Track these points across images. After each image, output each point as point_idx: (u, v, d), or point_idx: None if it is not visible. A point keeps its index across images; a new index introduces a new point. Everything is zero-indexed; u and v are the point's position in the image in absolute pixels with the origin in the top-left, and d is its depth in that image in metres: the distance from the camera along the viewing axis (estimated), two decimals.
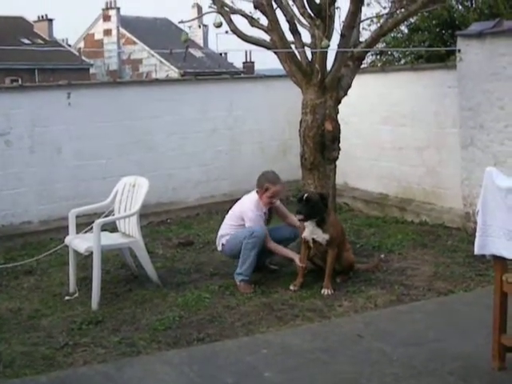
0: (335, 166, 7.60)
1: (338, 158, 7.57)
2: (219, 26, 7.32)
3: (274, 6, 7.11)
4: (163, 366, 4.92)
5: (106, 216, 6.95)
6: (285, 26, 7.22)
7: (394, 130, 9.69)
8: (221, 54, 47.53)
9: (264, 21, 7.35)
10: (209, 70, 43.41)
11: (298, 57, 7.39)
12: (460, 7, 16.79)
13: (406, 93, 9.45)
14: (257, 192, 6.86)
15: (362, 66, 8.35)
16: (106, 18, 48.37)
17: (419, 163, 9.31)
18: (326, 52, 7.16)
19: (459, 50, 8.17)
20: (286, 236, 7.02)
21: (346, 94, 7.67)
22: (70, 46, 48.51)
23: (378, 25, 9.38)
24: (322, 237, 6.52)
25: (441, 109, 8.85)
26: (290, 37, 7.35)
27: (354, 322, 5.73)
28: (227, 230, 6.93)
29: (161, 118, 10.06)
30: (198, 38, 49.62)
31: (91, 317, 5.98)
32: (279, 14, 7.18)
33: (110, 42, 48.08)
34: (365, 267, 7.11)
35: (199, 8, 41.50)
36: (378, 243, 8.03)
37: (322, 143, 7.37)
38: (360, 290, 6.49)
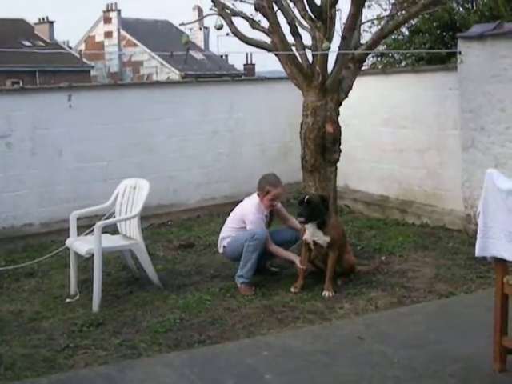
0: (336, 168, 7.60)
1: (338, 160, 7.57)
2: (220, 28, 7.32)
3: (275, 8, 7.11)
4: (164, 368, 4.92)
5: (106, 218, 6.95)
6: (286, 28, 7.24)
7: (395, 132, 9.69)
8: (222, 56, 47.49)
9: (265, 23, 7.36)
10: (210, 73, 43.40)
11: (299, 59, 7.40)
12: (461, 9, 16.84)
13: (406, 95, 9.45)
14: (258, 195, 6.86)
15: (363, 68, 8.35)
16: (107, 20, 48.40)
17: (420, 165, 9.31)
18: (327, 54, 7.17)
19: (460, 52, 8.17)
20: (287, 239, 7.02)
21: (346, 96, 7.67)
22: (70, 48, 48.52)
23: (379, 27, 9.37)
24: (322, 239, 6.52)
25: (442, 111, 8.86)
26: (290, 39, 7.36)
27: (355, 324, 5.72)
28: (228, 232, 6.93)
29: (161, 120, 10.06)
30: (198, 40, 49.65)
31: (92, 319, 5.98)
32: (280, 16, 7.19)
33: (111, 44, 48.10)
34: (366, 269, 7.11)
35: (200, 10, 41.45)
36: (378, 245, 8.03)
37: (323, 145, 7.37)
38: (361, 292, 6.49)
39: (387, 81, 10.01)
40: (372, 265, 7.26)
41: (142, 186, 6.80)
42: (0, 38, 39.15)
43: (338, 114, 7.55)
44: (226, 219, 7.18)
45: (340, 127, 7.53)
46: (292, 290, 6.56)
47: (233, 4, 7.71)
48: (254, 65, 51.38)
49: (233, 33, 7.48)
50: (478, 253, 4.61)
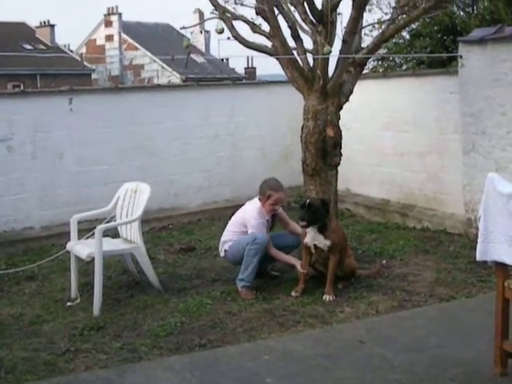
0: (337, 172, 7.60)
1: (339, 163, 7.57)
2: (221, 32, 7.33)
3: (276, 12, 7.12)
4: (165, 372, 4.92)
5: (107, 222, 6.95)
6: (287, 32, 7.26)
7: (396, 136, 9.70)
8: (222, 60, 47.57)
9: (266, 27, 7.37)
10: (210, 76, 43.45)
11: (300, 63, 7.41)
12: (461, 13, 16.87)
13: (407, 99, 9.46)
14: (259, 199, 6.86)
15: (364, 71, 8.35)
16: (108, 24, 48.49)
17: (421, 169, 9.31)
18: (328, 58, 7.18)
19: (461, 56, 8.18)
20: (289, 243, 7.01)
21: (347, 99, 7.68)
22: (71, 51, 48.61)
23: (380, 31, 9.40)
24: (323, 243, 6.51)
25: (442, 115, 8.86)
26: (291, 43, 7.37)
27: (356, 327, 5.72)
28: (230, 236, 6.93)
29: (162, 124, 10.06)
30: (199, 43, 49.73)
31: (93, 322, 5.97)
32: (281, 20, 7.20)
33: (112, 47, 48.19)
34: (366, 273, 7.11)
35: (201, 14, 41.65)
36: (379, 249, 8.02)
37: (324, 149, 7.37)
38: (362, 295, 6.49)
39: (388, 85, 10.01)
40: (373, 269, 7.25)
41: (143, 190, 6.80)
42: (1, 41, 39.24)
43: (338, 118, 7.56)
44: (226, 223, 7.18)
45: (341, 131, 7.54)
46: (293, 293, 6.55)
47: (234, 8, 7.74)
48: (254, 68, 51.43)
49: (234, 37, 7.49)
50: (478, 257, 4.61)
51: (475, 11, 16.78)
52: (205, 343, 5.47)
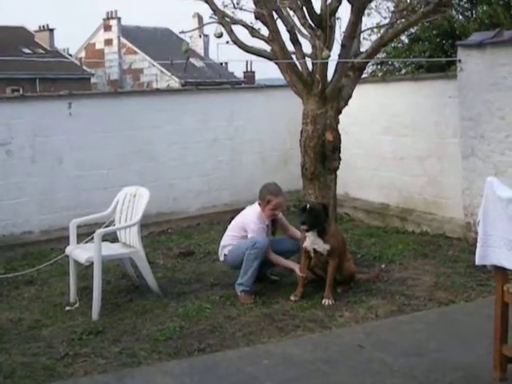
0: (336, 176, 7.60)
1: (338, 168, 7.57)
2: (220, 36, 7.33)
3: (275, 16, 7.13)
4: (164, 377, 4.92)
5: (106, 226, 6.95)
6: (285, 36, 7.26)
7: (395, 140, 9.70)
8: (221, 64, 47.57)
9: (265, 31, 7.37)
10: (210, 80, 43.43)
11: (299, 67, 7.41)
12: (460, 17, 16.87)
13: (406, 103, 9.46)
14: (259, 204, 6.86)
15: (363, 76, 8.36)
16: (107, 28, 48.47)
17: (420, 173, 9.31)
18: (327, 62, 7.18)
19: (460, 60, 8.18)
20: (288, 248, 7.01)
21: (346, 104, 7.68)
22: (70, 55, 48.58)
23: (379, 35, 9.41)
24: (322, 247, 6.51)
25: (441, 119, 8.87)
26: (290, 47, 7.38)
27: (355, 332, 5.71)
28: (229, 240, 6.93)
29: (162, 128, 10.07)
30: (198, 47, 49.71)
31: (92, 327, 5.97)
32: (280, 24, 7.20)
33: (111, 51, 48.16)
34: (366, 277, 7.11)
35: (200, 18, 41.65)
36: (378, 253, 8.02)
37: (323, 153, 7.37)
38: (361, 300, 6.49)
39: (387, 89, 10.02)
40: (372, 273, 7.25)
41: (142, 194, 6.81)
42: (0, 45, 39.24)
43: (337, 122, 7.56)
44: (226, 227, 7.18)
45: (340, 135, 7.54)
46: (292, 298, 6.55)
47: (233, 12, 7.73)
48: (253, 72, 51.44)
49: (233, 41, 7.49)
50: (478, 261, 4.61)
51: (474, 15, 16.79)
52: (204, 348, 5.47)
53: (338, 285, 6.74)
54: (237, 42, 7.46)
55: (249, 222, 6.80)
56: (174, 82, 44.19)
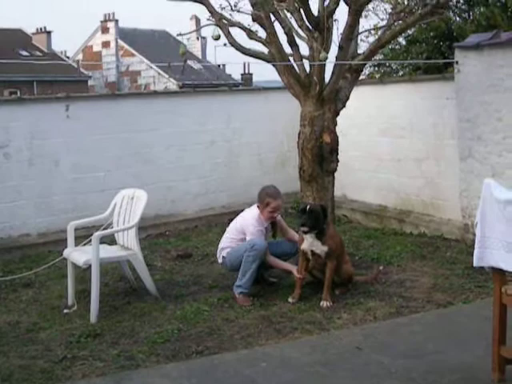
0: (333, 178, 7.61)
1: (336, 169, 7.58)
2: (217, 38, 7.34)
3: (272, 18, 7.14)
4: (162, 380, 4.91)
5: (104, 229, 6.94)
6: (283, 38, 7.27)
7: (393, 142, 9.71)
8: (219, 66, 47.60)
9: (262, 33, 7.39)
10: (207, 82, 43.47)
11: (297, 69, 7.42)
12: (457, 19, 16.85)
13: (404, 104, 9.47)
14: (258, 207, 6.86)
15: (360, 77, 8.38)
16: (105, 30, 48.47)
17: (418, 175, 9.32)
18: (324, 64, 7.20)
19: (457, 62, 8.20)
20: (286, 251, 7.01)
21: (344, 105, 7.69)
22: (68, 58, 48.56)
23: (376, 37, 9.42)
24: (320, 249, 6.51)
25: (439, 120, 8.87)
26: (288, 49, 7.39)
27: (353, 334, 5.71)
28: (228, 243, 6.93)
29: (159, 131, 10.07)
30: (196, 50, 49.74)
31: (90, 330, 5.95)
32: (277, 26, 7.22)
33: (109, 54, 48.16)
34: (364, 279, 7.10)
35: (197, 20, 41.71)
36: (376, 255, 8.02)
37: (321, 155, 7.38)
38: (359, 302, 6.48)
39: (384, 90, 10.02)
40: (370, 275, 7.25)
41: (140, 197, 6.80)
42: None
43: (335, 124, 7.57)
44: (223, 229, 7.18)
45: (337, 137, 7.55)
46: (290, 300, 6.55)
47: (230, 14, 7.74)
48: (251, 74, 51.44)
49: (230, 43, 7.49)
50: (475, 263, 4.61)
51: (471, 17, 16.77)
52: (202, 350, 5.46)
53: (336, 287, 6.73)
54: (234, 44, 7.47)
55: (247, 224, 6.80)
56: (172, 85, 44.20)
